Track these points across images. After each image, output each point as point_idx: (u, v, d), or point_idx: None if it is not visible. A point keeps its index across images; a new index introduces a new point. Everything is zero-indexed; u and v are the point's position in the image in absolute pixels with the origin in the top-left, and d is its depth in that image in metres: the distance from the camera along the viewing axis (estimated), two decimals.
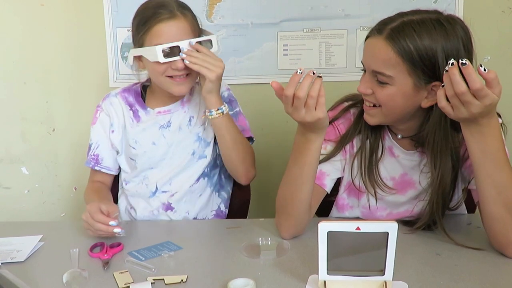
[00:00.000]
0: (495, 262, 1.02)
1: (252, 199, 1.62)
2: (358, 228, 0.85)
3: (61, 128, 2.00)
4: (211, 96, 1.30)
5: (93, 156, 1.43)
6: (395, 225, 0.85)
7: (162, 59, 1.26)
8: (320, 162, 1.22)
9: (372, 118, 1.15)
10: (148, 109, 1.41)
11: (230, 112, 1.38)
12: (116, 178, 1.50)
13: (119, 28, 1.89)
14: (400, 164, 1.22)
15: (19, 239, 1.19)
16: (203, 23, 1.42)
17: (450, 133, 1.09)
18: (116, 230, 1.13)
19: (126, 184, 1.44)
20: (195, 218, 1.43)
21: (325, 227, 0.86)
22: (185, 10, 1.30)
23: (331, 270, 0.89)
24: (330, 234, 0.86)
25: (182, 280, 0.97)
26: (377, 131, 1.21)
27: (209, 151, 1.42)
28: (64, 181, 2.04)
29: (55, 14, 1.91)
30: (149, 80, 1.44)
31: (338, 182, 1.31)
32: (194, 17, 1.33)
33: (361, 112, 1.21)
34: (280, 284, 0.96)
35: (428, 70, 1.04)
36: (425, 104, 1.09)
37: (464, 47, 1.04)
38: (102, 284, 0.99)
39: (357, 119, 1.22)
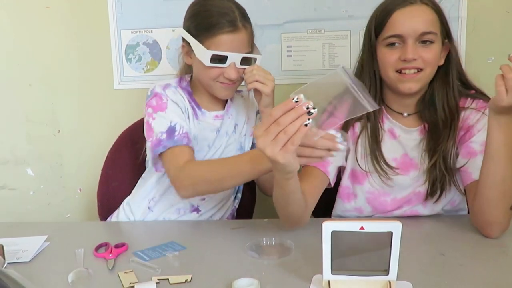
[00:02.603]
0: (500, 262, 1.02)
1: (257, 200, 1.63)
2: (362, 228, 0.85)
3: (66, 129, 2.01)
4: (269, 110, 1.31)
5: (183, 134, 1.29)
6: (399, 224, 0.85)
7: (208, 63, 1.26)
8: None
9: (417, 83, 1.21)
10: (203, 110, 1.40)
11: None
12: (140, 168, 1.47)
13: (123, 30, 1.90)
14: (401, 144, 1.28)
15: (25, 240, 1.20)
16: None
17: (455, 94, 1.24)
18: (341, 146, 0.95)
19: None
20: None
21: (329, 226, 0.86)
22: (246, 21, 1.29)
23: (335, 270, 0.89)
24: (334, 234, 0.86)
25: (186, 280, 0.98)
26: (376, 116, 1.26)
27: None
28: (69, 182, 2.05)
29: (60, 16, 1.92)
30: (190, 77, 1.42)
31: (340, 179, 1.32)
32: (251, 27, 1.33)
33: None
34: (284, 284, 0.96)
35: (447, 28, 1.22)
36: (441, 61, 1.23)
37: None
38: (107, 284, 0.99)
39: None
